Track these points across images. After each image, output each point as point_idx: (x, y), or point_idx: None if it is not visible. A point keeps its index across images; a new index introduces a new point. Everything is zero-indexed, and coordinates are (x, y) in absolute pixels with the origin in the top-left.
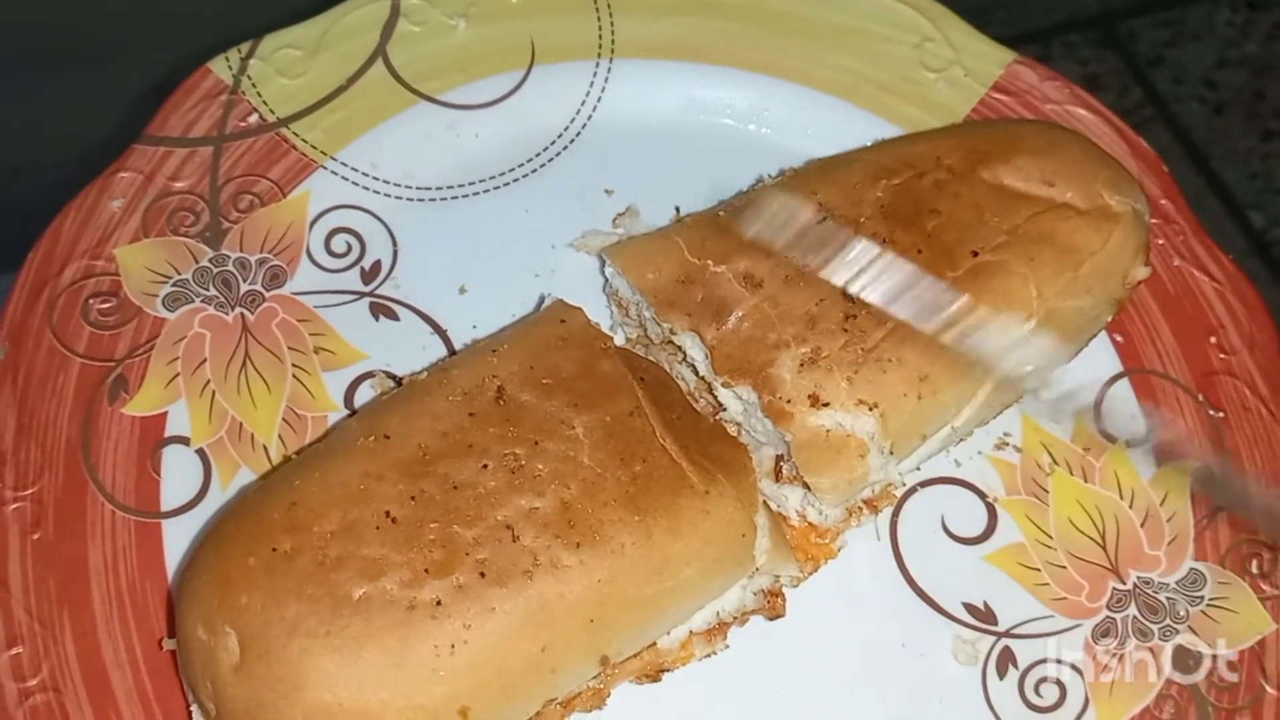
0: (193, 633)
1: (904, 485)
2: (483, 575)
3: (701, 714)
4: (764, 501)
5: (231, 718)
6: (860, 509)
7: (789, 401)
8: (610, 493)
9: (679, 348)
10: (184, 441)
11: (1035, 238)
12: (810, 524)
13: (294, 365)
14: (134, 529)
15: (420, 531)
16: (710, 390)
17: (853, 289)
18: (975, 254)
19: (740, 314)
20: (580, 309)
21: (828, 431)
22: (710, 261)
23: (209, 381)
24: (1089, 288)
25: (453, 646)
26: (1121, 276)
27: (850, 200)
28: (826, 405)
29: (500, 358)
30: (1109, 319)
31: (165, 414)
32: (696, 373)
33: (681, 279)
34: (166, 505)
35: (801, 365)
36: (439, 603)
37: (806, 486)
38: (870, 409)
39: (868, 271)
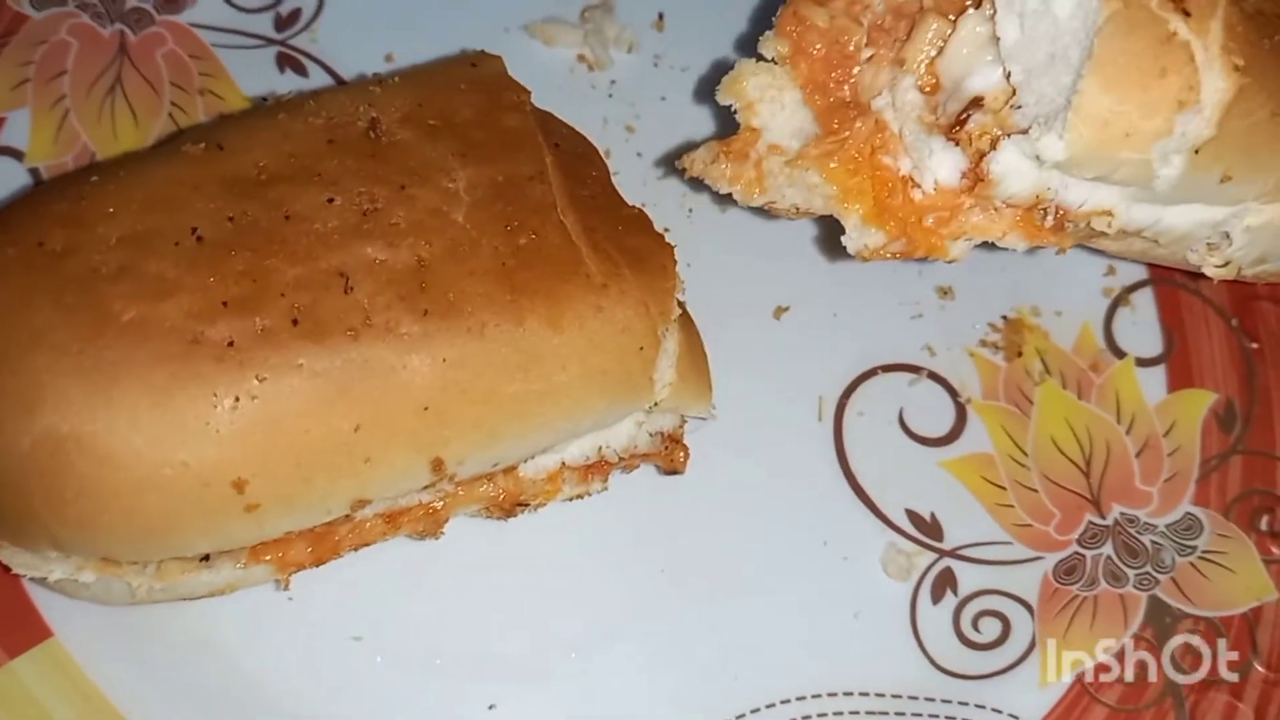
0: None
1: (1125, 226)
2: (295, 323)
3: (561, 579)
4: (681, 321)
5: None
6: (1048, 211)
7: None
8: (482, 261)
9: None
10: (16, 155)
11: None
12: (945, 198)
13: (172, 104)
14: None
15: (228, 258)
16: None
17: None
18: None
19: None
20: (499, 58)
21: (1172, 35)
22: None
23: (65, 97)
24: None
25: (237, 399)
26: None
27: None
28: (1187, 14)
29: (385, 90)
30: None
31: (2, 119)
32: None
33: None
34: None
35: None
36: (231, 344)
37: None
38: (1235, 69)
39: None
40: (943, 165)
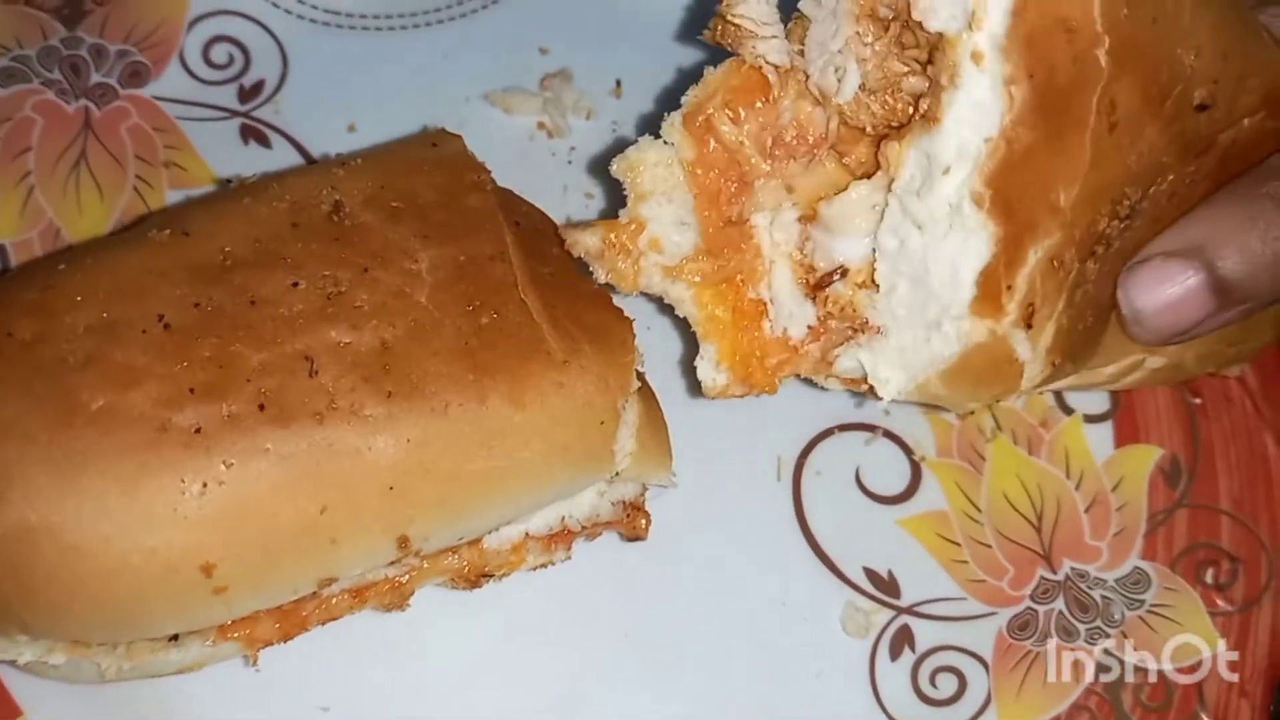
0: None
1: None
2: (261, 408)
3: (527, 646)
4: (640, 392)
5: None
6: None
7: (1009, 288)
8: (445, 342)
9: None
10: None
11: None
12: (787, 343)
13: (137, 176)
14: None
15: (195, 345)
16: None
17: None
18: None
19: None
20: (460, 137)
21: (1014, 357)
22: None
23: (30, 173)
24: None
25: (204, 485)
26: None
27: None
28: (1030, 326)
29: (348, 171)
30: None
31: None
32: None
33: None
34: None
35: (1052, 264)
36: (198, 430)
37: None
38: (1052, 365)
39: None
40: (795, 320)
